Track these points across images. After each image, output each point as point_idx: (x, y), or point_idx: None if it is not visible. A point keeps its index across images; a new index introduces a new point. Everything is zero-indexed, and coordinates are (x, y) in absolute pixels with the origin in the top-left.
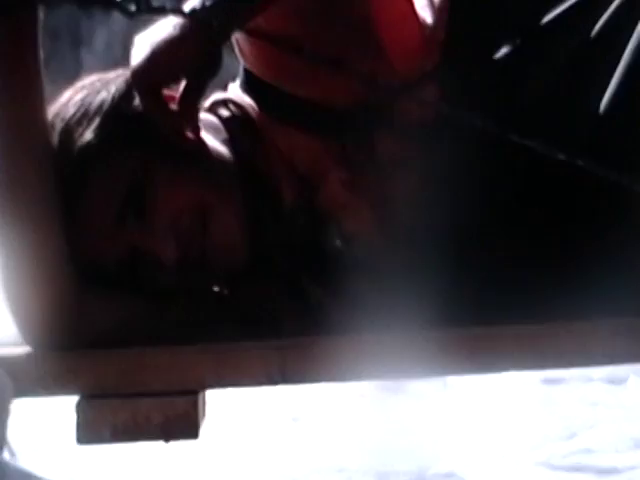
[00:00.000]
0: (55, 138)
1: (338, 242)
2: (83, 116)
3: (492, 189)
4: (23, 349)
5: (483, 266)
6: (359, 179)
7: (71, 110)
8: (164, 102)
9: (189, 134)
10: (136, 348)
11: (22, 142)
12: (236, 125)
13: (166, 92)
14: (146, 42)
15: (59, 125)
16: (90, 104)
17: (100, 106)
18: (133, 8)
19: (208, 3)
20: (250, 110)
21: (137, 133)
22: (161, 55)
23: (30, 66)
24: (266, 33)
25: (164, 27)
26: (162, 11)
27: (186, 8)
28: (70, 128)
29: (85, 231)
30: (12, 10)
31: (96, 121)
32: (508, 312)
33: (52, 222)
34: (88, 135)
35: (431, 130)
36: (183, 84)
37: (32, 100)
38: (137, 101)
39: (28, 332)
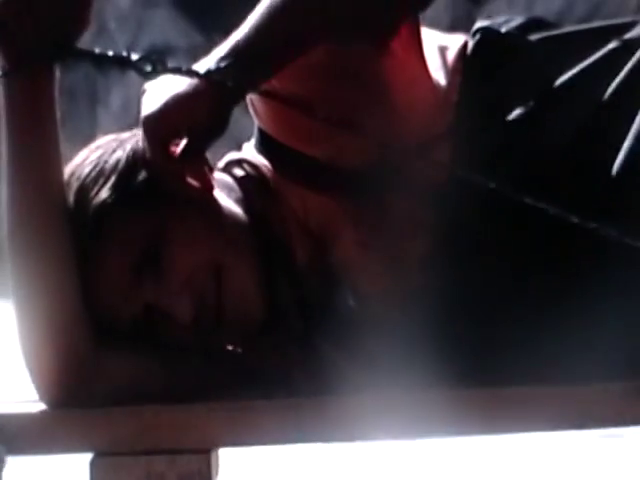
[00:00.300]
0: (71, 197)
1: (351, 302)
2: (99, 175)
3: (504, 251)
4: (38, 406)
5: (495, 327)
6: (372, 239)
7: (87, 169)
8: (170, 154)
9: (198, 189)
10: (150, 406)
11: (39, 201)
12: (250, 184)
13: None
14: (159, 91)
15: (75, 184)
16: (106, 163)
17: (116, 165)
18: (149, 68)
19: (223, 64)
20: (264, 170)
21: (152, 192)
22: (174, 108)
23: (47, 125)
24: (279, 94)
25: (178, 81)
26: (177, 71)
27: (200, 68)
28: (86, 187)
29: (101, 289)
30: (29, 68)
31: (112, 180)
32: (520, 373)
33: (69, 281)
34: (104, 194)
35: (443, 190)
36: (184, 141)
37: (49, 159)
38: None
39: (43, 389)
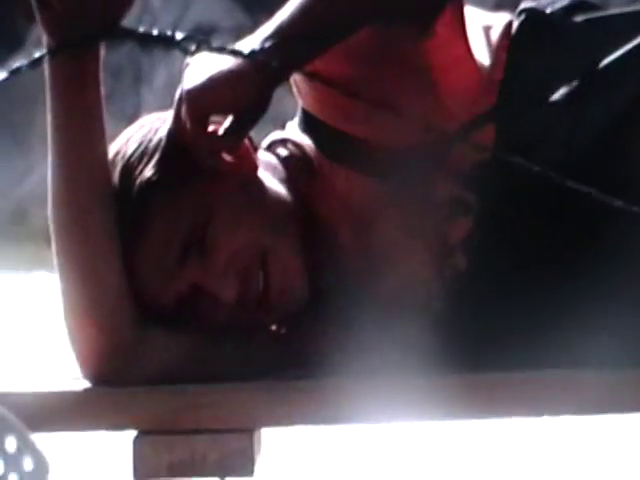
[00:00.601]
0: (116, 176)
1: (393, 284)
2: (143, 153)
3: (543, 234)
4: (82, 383)
5: (528, 311)
6: (414, 221)
7: (131, 148)
8: (208, 130)
9: (243, 169)
10: (193, 385)
11: (84, 179)
12: (294, 164)
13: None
14: (204, 67)
15: (119, 163)
16: (150, 141)
17: (159, 143)
18: (193, 48)
19: (267, 45)
20: (308, 149)
21: (196, 170)
22: (218, 86)
23: (92, 104)
24: (323, 76)
25: (222, 59)
26: (222, 51)
27: (245, 48)
28: (130, 165)
29: (145, 268)
30: (75, 48)
31: (155, 158)
32: (535, 357)
33: (113, 259)
34: (148, 172)
35: (486, 172)
36: (229, 119)
37: (94, 138)
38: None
39: (87, 368)
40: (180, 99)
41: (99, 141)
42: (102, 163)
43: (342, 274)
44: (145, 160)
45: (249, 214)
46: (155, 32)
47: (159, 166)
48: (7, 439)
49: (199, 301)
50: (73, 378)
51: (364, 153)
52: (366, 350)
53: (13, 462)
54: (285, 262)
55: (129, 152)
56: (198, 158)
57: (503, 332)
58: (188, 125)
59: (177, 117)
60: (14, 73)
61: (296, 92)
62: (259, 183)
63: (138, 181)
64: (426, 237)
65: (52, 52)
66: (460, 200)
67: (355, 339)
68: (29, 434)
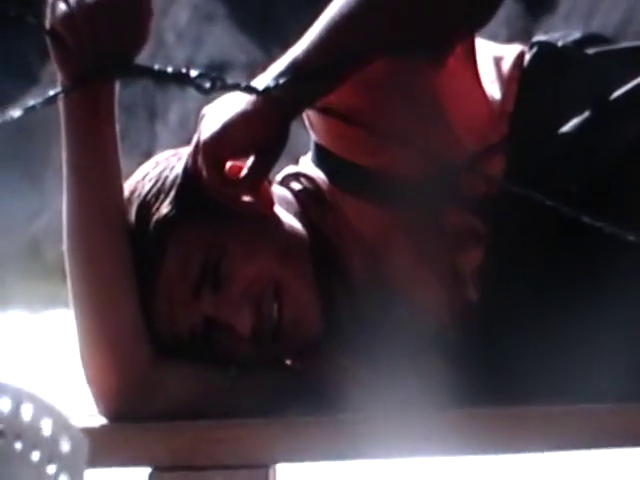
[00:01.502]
0: (132, 213)
1: (406, 314)
2: (159, 191)
3: (555, 264)
4: (98, 420)
5: (538, 342)
6: (427, 251)
7: (147, 186)
8: (226, 176)
9: (256, 205)
10: (208, 421)
11: (99, 216)
12: (307, 197)
13: (234, 163)
14: (218, 114)
15: (136, 201)
16: (166, 178)
17: (175, 180)
18: (207, 84)
19: (281, 81)
20: (321, 183)
21: (212, 205)
22: (233, 129)
23: (107, 141)
24: (336, 109)
25: (236, 100)
26: (236, 88)
27: (259, 84)
28: (147, 203)
29: (161, 301)
30: (89, 85)
31: (172, 195)
32: (555, 390)
33: (129, 295)
34: (164, 209)
35: (497, 202)
36: (251, 159)
37: (109, 174)
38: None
39: (103, 403)
40: (197, 149)
41: (114, 177)
42: (117, 199)
43: (356, 305)
44: (162, 197)
45: (262, 247)
46: (169, 69)
47: (175, 203)
48: (43, 421)
49: (214, 334)
50: (89, 415)
51: (376, 184)
52: (381, 383)
53: (50, 445)
54: (299, 294)
55: (145, 190)
56: (218, 201)
57: (517, 363)
58: (206, 174)
59: (194, 166)
60: (29, 111)
61: (308, 125)
62: (273, 216)
63: (155, 218)
64: (438, 267)
65: (66, 90)
66: (471, 230)
67: (370, 372)
68: (64, 416)
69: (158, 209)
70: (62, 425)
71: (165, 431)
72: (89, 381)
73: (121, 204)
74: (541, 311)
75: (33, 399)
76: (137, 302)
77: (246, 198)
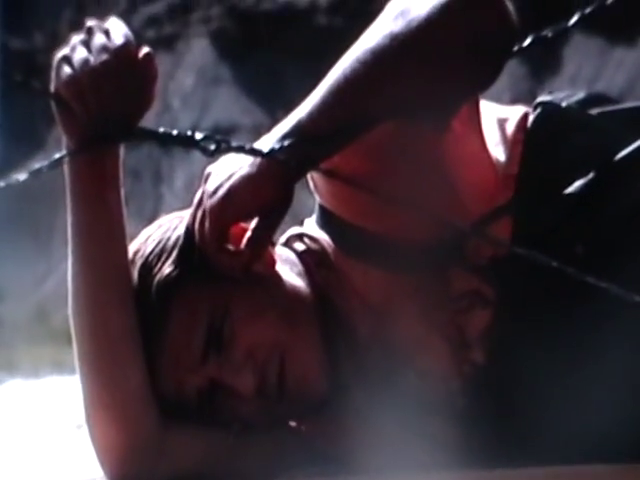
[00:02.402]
0: (135, 274)
1: (413, 379)
2: (162, 251)
3: (563, 327)
4: None
5: (552, 405)
6: (434, 315)
7: (150, 247)
8: (230, 245)
9: (262, 268)
10: None
11: (105, 280)
12: (311, 259)
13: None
14: (222, 176)
15: (139, 262)
16: (168, 239)
17: (177, 240)
18: (213, 147)
19: (286, 143)
20: (325, 244)
21: (214, 267)
22: (238, 194)
23: (113, 205)
24: (340, 172)
25: (240, 161)
26: (241, 150)
27: (263, 147)
28: (149, 263)
29: (166, 364)
30: (94, 149)
31: (174, 255)
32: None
33: (135, 360)
34: (166, 269)
35: (504, 265)
36: (254, 221)
37: (115, 238)
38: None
39: (109, 465)
40: (200, 209)
41: (120, 241)
42: (123, 262)
43: (361, 368)
44: (164, 258)
45: (265, 309)
46: (174, 132)
47: (177, 263)
48: None
49: (219, 397)
50: (94, 478)
51: (381, 248)
52: (387, 446)
53: None
54: (303, 355)
55: (148, 250)
56: (221, 269)
57: (526, 426)
58: (209, 244)
59: (200, 229)
60: (34, 174)
61: (312, 188)
62: (276, 278)
63: (157, 279)
64: (443, 331)
65: (71, 153)
66: (478, 293)
67: (376, 435)
68: None
69: (160, 269)
70: None
71: None
72: (95, 443)
73: (127, 267)
74: (550, 373)
75: None
76: (144, 365)
77: (250, 264)
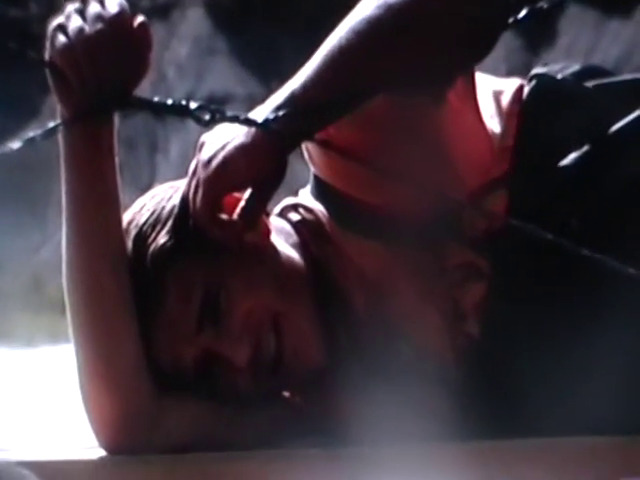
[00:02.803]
0: (129, 244)
1: (408, 352)
2: (156, 221)
3: (557, 299)
4: (98, 453)
5: (543, 377)
6: (427, 288)
7: (144, 217)
8: (224, 216)
9: (256, 239)
10: (208, 455)
11: (98, 248)
12: (306, 229)
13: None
14: (217, 145)
15: (133, 232)
16: (163, 209)
17: (171, 210)
18: (207, 117)
19: (280, 113)
20: (320, 215)
21: (207, 238)
22: (233, 164)
23: (107, 174)
24: (335, 143)
25: (234, 131)
26: (235, 120)
27: (258, 117)
28: (144, 234)
29: (161, 335)
30: (88, 118)
31: (168, 225)
32: (559, 423)
33: (130, 329)
34: (161, 239)
35: (499, 238)
36: (248, 191)
37: (109, 208)
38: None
39: (103, 436)
40: (195, 180)
41: (114, 210)
42: (117, 232)
43: (357, 339)
44: (158, 228)
45: (260, 279)
46: (169, 102)
47: (172, 233)
48: None
49: (215, 367)
50: (88, 447)
51: (375, 221)
52: (382, 418)
53: None
54: (298, 325)
55: (142, 220)
56: (214, 239)
57: (518, 398)
58: (203, 214)
59: (193, 199)
60: (28, 143)
61: (307, 158)
62: (271, 248)
63: (151, 249)
64: (439, 304)
65: (66, 122)
66: (473, 266)
67: (371, 407)
68: None
69: (155, 239)
70: None
71: (165, 465)
72: (89, 413)
73: (121, 236)
74: (543, 347)
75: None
76: (138, 335)
77: (242, 234)
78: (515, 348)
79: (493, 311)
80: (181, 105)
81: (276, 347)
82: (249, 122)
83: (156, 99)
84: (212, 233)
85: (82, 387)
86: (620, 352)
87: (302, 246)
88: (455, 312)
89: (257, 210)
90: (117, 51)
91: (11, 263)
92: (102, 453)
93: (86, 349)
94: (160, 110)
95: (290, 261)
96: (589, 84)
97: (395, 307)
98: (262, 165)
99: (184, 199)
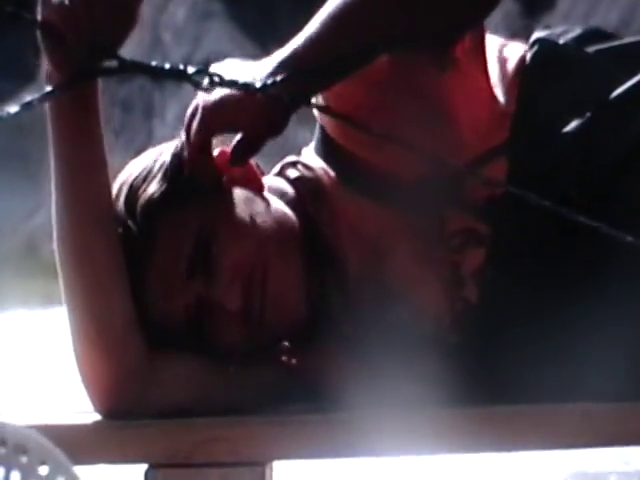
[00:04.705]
0: (121, 199)
1: (405, 315)
2: (148, 174)
3: (556, 266)
4: (93, 417)
5: (539, 344)
6: (426, 251)
7: (136, 171)
8: (210, 153)
9: (247, 185)
10: (204, 419)
11: (88, 212)
12: (303, 185)
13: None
14: (219, 92)
15: (125, 187)
16: (154, 161)
17: (163, 163)
18: (205, 81)
19: (279, 77)
20: (320, 172)
21: (201, 186)
22: (231, 102)
23: (95, 138)
24: (334, 110)
25: (242, 72)
26: (234, 85)
27: (257, 81)
28: (135, 185)
29: (153, 285)
30: (83, 81)
31: (159, 176)
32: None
33: (120, 289)
34: (152, 188)
35: (499, 204)
36: (238, 137)
37: (97, 171)
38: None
39: (98, 398)
40: (191, 120)
41: (102, 173)
42: (105, 197)
43: (351, 300)
44: (149, 179)
45: (252, 229)
46: (166, 66)
47: (162, 182)
48: (40, 468)
49: (206, 317)
50: (84, 412)
51: (377, 180)
52: (378, 381)
53: None
54: (284, 276)
55: (134, 175)
56: (199, 178)
57: (515, 364)
58: (192, 147)
59: (187, 130)
60: (25, 107)
61: (315, 112)
62: (264, 200)
63: (142, 199)
64: (437, 268)
65: (63, 86)
66: (473, 232)
67: (366, 370)
68: (66, 461)
69: (145, 190)
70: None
71: (161, 429)
72: (83, 377)
73: (109, 200)
74: (541, 313)
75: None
76: (129, 297)
77: (233, 175)
78: (512, 315)
79: (491, 277)
80: (179, 69)
81: (261, 294)
82: (248, 87)
83: (154, 63)
84: (195, 170)
85: (75, 350)
86: (619, 320)
87: (297, 203)
88: (454, 277)
89: (244, 153)
90: (111, 2)
91: (4, 227)
92: (97, 417)
93: (77, 310)
94: (157, 74)
95: (282, 215)
96: (591, 49)
97: (392, 270)
98: (256, 114)
99: (178, 146)
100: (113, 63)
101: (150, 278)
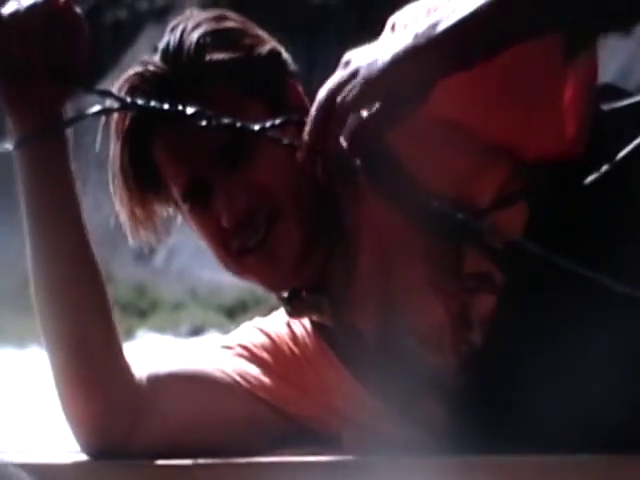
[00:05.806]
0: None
1: (411, 342)
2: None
3: (567, 320)
4: (77, 456)
5: (542, 392)
6: (441, 284)
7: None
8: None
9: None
10: (194, 460)
11: (60, 255)
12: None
13: None
14: (387, 50)
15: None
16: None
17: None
18: (204, 123)
19: (442, 29)
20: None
21: (261, 84)
22: (400, 67)
23: (64, 182)
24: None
25: (390, 45)
26: (232, 127)
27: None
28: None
29: (180, 137)
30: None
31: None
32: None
33: (100, 324)
34: (220, 55)
35: (516, 254)
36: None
37: (68, 216)
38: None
39: (81, 439)
40: (344, 81)
41: (74, 218)
42: (79, 238)
43: (355, 294)
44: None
45: (285, 170)
46: (166, 106)
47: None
48: None
49: (203, 199)
50: (73, 451)
51: (412, 191)
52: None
53: None
54: (289, 230)
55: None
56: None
57: (517, 412)
58: (353, 104)
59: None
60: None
61: None
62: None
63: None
64: (447, 301)
65: (22, 141)
66: (488, 277)
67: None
68: None
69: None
70: None
71: (147, 469)
72: (67, 415)
73: (85, 242)
74: (546, 366)
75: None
76: (109, 337)
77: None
78: (517, 365)
79: (500, 324)
80: (177, 110)
81: (263, 234)
82: (244, 129)
83: (153, 103)
84: (334, 128)
85: (58, 391)
86: (625, 371)
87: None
88: (462, 318)
89: (379, 127)
90: (49, 28)
91: (0, 263)
92: (84, 457)
93: (56, 350)
94: (156, 113)
95: (311, 181)
96: (606, 107)
97: (402, 284)
98: (412, 78)
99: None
100: (113, 103)
101: (177, 132)
